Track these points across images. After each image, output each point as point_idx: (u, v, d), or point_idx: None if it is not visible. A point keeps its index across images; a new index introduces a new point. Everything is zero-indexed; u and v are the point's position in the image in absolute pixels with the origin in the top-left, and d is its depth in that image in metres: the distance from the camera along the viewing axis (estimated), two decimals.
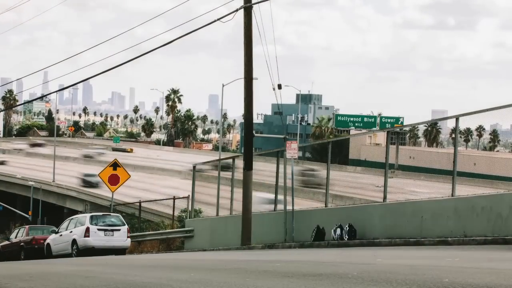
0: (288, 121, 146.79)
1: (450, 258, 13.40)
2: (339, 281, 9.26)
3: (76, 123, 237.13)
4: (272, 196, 28.00)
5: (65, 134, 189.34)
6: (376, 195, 23.49)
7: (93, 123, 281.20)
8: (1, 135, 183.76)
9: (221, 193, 31.13)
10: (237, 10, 25.95)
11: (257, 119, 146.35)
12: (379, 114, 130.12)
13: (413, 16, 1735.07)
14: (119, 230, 29.78)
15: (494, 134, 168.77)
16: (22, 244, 34.85)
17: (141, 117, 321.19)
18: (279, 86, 27.28)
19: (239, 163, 28.48)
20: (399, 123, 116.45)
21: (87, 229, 29.15)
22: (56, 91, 50.29)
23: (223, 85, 76.34)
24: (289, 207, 25.21)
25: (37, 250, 32.66)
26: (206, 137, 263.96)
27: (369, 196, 27.74)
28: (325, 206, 24.79)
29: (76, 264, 20.33)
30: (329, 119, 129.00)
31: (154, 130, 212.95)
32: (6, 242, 38.33)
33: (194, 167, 34.68)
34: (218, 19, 25.78)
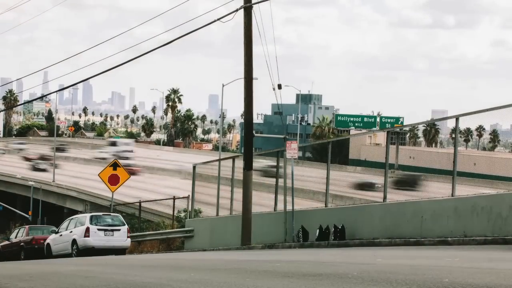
0: (288, 121, 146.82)
1: (450, 258, 13.40)
2: (339, 281, 9.26)
3: (76, 123, 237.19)
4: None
5: (65, 134, 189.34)
6: (376, 195, 23.51)
7: (93, 123, 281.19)
8: (1, 135, 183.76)
9: (221, 193, 31.13)
10: (237, 10, 25.95)
11: (257, 119, 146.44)
12: (379, 114, 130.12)
13: (411, 15, 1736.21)
14: (119, 230, 29.78)
15: (494, 134, 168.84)
16: (22, 244, 34.86)
17: (142, 117, 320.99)
18: (279, 86, 27.29)
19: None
20: (399, 123, 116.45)
21: (87, 229, 29.15)
22: (56, 91, 50.30)
23: (223, 85, 76.35)
24: (289, 207, 25.22)
25: (37, 250, 32.66)
26: (206, 137, 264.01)
27: (369, 196, 27.77)
28: (325, 206, 24.78)
29: (76, 264, 20.33)
30: (330, 122, 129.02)
31: (154, 130, 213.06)
32: (6, 242, 38.33)
33: (194, 167, 34.68)
34: (218, 19, 25.79)
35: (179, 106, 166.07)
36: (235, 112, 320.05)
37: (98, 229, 29.31)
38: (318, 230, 23.85)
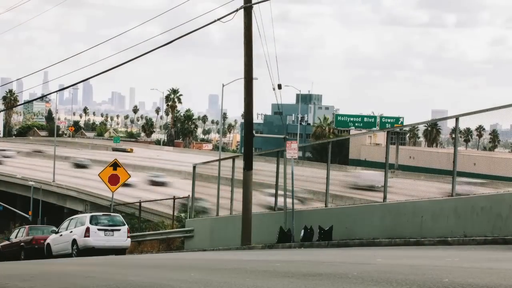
0: (288, 121, 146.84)
1: (450, 258, 13.41)
2: (339, 281, 9.26)
3: (76, 123, 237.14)
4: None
5: (65, 134, 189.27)
6: (376, 195, 23.51)
7: (93, 123, 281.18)
8: (1, 135, 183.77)
9: (221, 193, 31.14)
10: (237, 10, 25.95)
11: (257, 119, 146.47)
12: (380, 114, 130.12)
13: (410, 14, 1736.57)
14: (119, 230, 29.78)
15: (494, 134, 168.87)
16: (22, 244, 34.86)
17: (141, 118, 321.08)
18: (279, 86, 27.29)
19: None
20: (399, 123, 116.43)
21: (87, 229, 29.16)
22: (56, 91, 50.25)
23: (223, 85, 76.35)
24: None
25: (37, 250, 32.67)
26: (206, 137, 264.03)
27: (369, 196, 27.74)
28: (325, 206, 24.79)
29: (76, 264, 20.34)
30: (330, 122, 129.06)
31: (154, 130, 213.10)
32: (6, 242, 38.34)
33: (194, 167, 34.68)
34: (218, 19, 25.79)
35: (179, 106, 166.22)
36: (235, 112, 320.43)
37: (98, 229, 29.32)
38: (303, 231, 24.06)
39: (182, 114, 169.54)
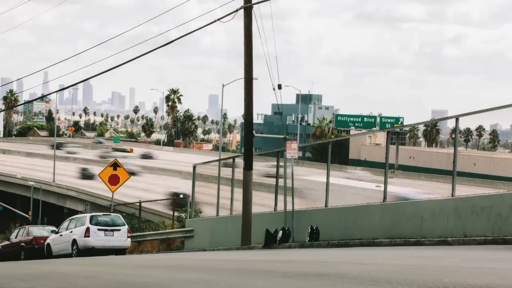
0: (288, 121, 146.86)
1: (450, 258, 13.41)
2: (339, 281, 9.26)
3: (76, 123, 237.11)
4: None
5: (65, 134, 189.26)
6: (376, 195, 23.50)
7: (93, 123, 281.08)
8: (1, 135, 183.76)
9: (221, 193, 31.15)
10: (237, 10, 25.95)
11: (257, 119, 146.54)
12: (379, 114, 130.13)
13: (408, 12, 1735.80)
14: (119, 230, 29.78)
15: (494, 134, 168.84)
16: (22, 244, 34.86)
17: (142, 118, 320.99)
18: (279, 86, 27.29)
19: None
20: (399, 123, 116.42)
21: (87, 229, 29.15)
22: (56, 91, 50.31)
23: (223, 85, 76.34)
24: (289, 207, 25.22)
25: (37, 250, 32.66)
26: (206, 137, 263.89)
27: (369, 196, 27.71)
28: (325, 206, 24.78)
29: (76, 264, 20.34)
30: (330, 122, 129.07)
31: (154, 130, 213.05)
32: (6, 242, 38.34)
33: (194, 167, 34.68)
34: (218, 19, 25.79)
35: (179, 106, 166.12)
36: (235, 112, 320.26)
37: (98, 229, 29.31)
38: (281, 232, 24.17)
39: (182, 114, 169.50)
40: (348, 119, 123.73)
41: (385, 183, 22.11)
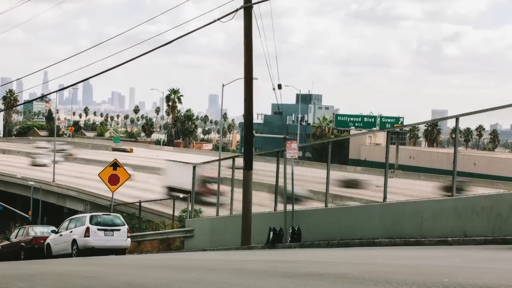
0: (288, 121, 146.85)
1: (450, 258, 13.41)
2: (339, 281, 9.25)
3: (76, 123, 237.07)
4: None
5: (65, 134, 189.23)
6: (376, 195, 23.50)
7: (93, 123, 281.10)
8: (1, 135, 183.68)
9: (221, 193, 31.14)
10: (237, 10, 25.94)
11: (257, 119, 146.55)
12: (379, 114, 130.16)
13: (407, 11, 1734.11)
14: (119, 230, 29.77)
15: (494, 134, 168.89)
16: (22, 244, 34.86)
17: (141, 118, 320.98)
18: (279, 86, 27.27)
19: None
20: (399, 123, 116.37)
21: (87, 229, 29.14)
22: (56, 91, 50.24)
23: (223, 85, 76.32)
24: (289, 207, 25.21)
25: (37, 250, 32.66)
26: (206, 137, 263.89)
27: (369, 196, 27.73)
28: (325, 206, 24.78)
29: (76, 264, 20.34)
30: (330, 122, 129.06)
31: (154, 130, 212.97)
32: (6, 242, 38.34)
33: (194, 167, 34.67)
34: (218, 19, 25.78)
35: (179, 106, 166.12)
36: (235, 112, 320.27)
37: (98, 229, 29.30)
38: (271, 233, 24.25)
39: (182, 114, 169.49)
40: (348, 119, 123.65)
41: (385, 183, 22.10)
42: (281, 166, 26.16)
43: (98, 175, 37.14)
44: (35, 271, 15.75)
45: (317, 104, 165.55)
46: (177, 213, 41.94)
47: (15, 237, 36.82)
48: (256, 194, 28.91)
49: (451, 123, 25.32)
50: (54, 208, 71.30)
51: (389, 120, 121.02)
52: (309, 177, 29.11)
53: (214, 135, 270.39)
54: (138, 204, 44.49)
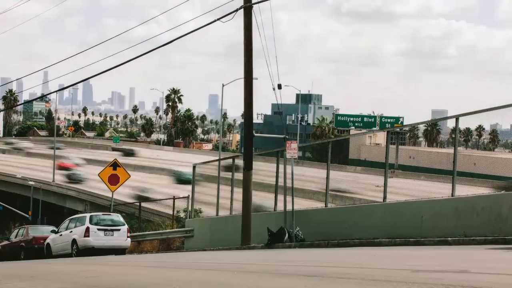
0: (288, 121, 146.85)
1: (450, 258, 13.41)
2: (339, 281, 9.26)
3: (76, 123, 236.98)
4: None
5: (65, 134, 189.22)
6: (376, 195, 23.51)
7: (93, 123, 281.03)
8: (1, 135, 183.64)
9: (221, 193, 31.14)
10: (237, 10, 25.93)
11: (257, 119, 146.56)
12: (380, 114, 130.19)
13: (406, 10, 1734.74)
14: (119, 230, 29.77)
15: (494, 134, 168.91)
16: (22, 244, 34.85)
17: (141, 117, 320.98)
18: (279, 86, 27.27)
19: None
20: (399, 123, 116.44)
21: (87, 229, 29.14)
22: (56, 91, 50.24)
23: (223, 85, 76.34)
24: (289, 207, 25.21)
25: (37, 250, 32.65)
26: (206, 137, 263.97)
27: (369, 196, 27.77)
28: (325, 206, 24.78)
29: (76, 264, 20.35)
30: (330, 122, 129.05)
31: (154, 130, 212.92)
32: (6, 242, 38.34)
33: (194, 167, 34.68)
34: (218, 19, 25.78)
35: (179, 106, 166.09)
36: (235, 112, 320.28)
37: (98, 229, 29.30)
38: (271, 233, 24.32)
39: (182, 114, 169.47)
40: (348, 119, 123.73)
41: (385, 183, 22.10)
42: (281, 166, 26.17)
43: (98, 175, 37.15)
44: (35, 271, 15.76)
45: (317, 104, 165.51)
46: (176, 213, 41.96)
47: (15, 237, 36.82)
48: (256, 194, 28.92)
49: (451, 123, 25.32)
50: (54, 208, 71.32)
51: (389, 120, 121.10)
52: (308, 177, 29.13)
53: (214, 135, 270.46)
54: (138, 204, 44.52)
